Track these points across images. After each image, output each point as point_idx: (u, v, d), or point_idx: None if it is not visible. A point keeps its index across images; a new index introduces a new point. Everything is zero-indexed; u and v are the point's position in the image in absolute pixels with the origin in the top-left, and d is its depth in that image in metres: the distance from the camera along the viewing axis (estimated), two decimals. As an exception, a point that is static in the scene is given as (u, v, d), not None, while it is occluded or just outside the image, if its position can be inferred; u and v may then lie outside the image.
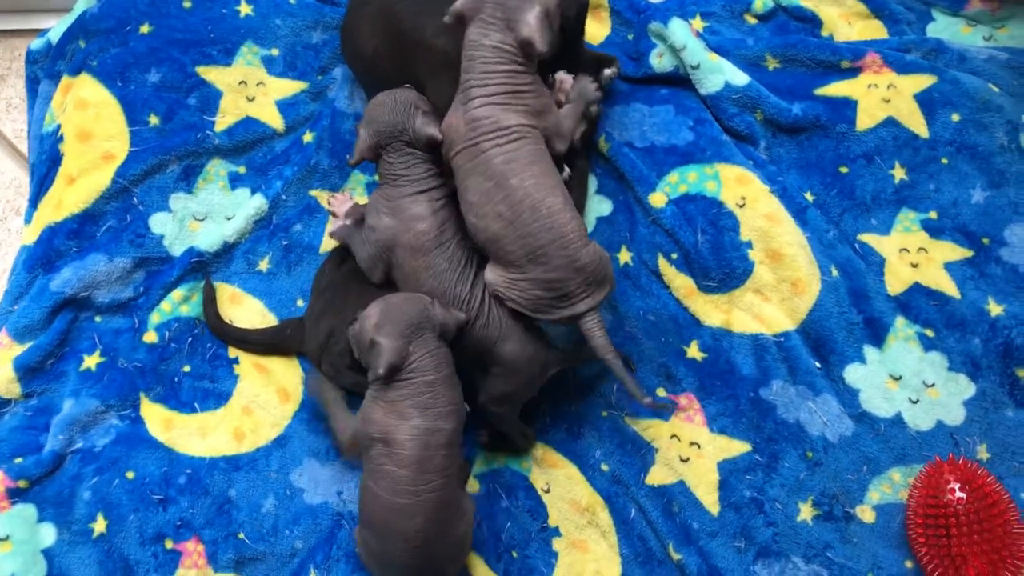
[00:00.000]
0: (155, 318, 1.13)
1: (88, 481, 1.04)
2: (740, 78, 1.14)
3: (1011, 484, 0.98)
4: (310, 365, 1.09)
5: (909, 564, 0.99)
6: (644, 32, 1.20)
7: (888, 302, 1.07)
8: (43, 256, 1.13)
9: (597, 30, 1.26)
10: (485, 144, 0.93)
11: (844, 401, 1.04)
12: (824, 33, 1.23)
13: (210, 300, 1.13)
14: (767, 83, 1.15)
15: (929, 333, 1.05)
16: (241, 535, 1.04)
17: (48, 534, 1.02)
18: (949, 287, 1.06)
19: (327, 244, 1.17)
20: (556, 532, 1.05)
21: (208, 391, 1.11)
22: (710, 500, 1.03)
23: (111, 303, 1.13)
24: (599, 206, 1.16)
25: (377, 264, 1.01)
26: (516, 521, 1.05)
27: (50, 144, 1.19)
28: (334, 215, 1.12)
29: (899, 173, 1.11)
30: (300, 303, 1.15)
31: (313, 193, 1.20)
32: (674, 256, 1.10)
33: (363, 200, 1.17)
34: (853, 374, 1.04)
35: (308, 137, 1.21)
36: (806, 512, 1.01)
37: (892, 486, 1.01)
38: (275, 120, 1.22)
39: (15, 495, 1.02)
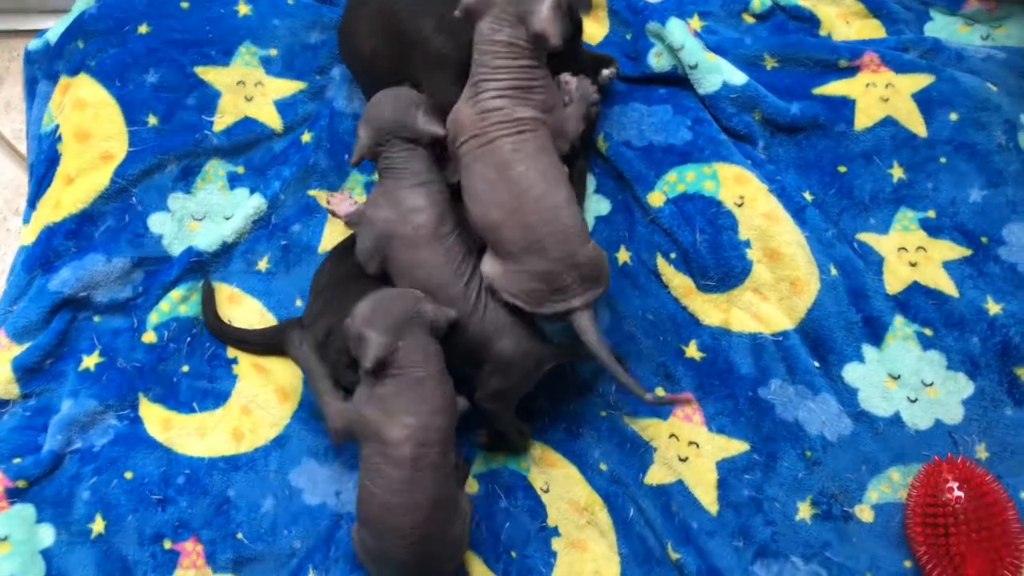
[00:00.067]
0: (154, 318, 1.13)
1: (87, 481, 1.04)
2: (738, 77, 1.14)
3: (1010, 483, 0.98)
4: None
5: (908, 563, 0.99)
6: (642, 32, 1.20)
7: (887, 301, 1.07)
8: (42, 256, 1.13)
9: (595, 30, 1.25)
10: (494, 133, 0.93)
11: (843, 400, 1.04)
12: (822, 32, 1.23)
13: (209, 300, 1.13)
14: (765, 82, 1.15)
15: (928, 332, 1.05)
16: (240, 535, 1.04)
17: (47, 534, 1.02)
18: (948, 286, 1.06)
19: (326, 244, 1.18)
20: (555, 532, 1.05)
21: (207, 391, 1.11)
22: (709, 499, 1.03)
23: (110, 303, 1.13)
24: (597, 205, 1.16)
25: (374, 255, 1.01)
26: (515, 521, 1.05)
27: (48, 144, 1.19)
28: (333, 214, 1.12)
29: (897, 172, 1.11)
30: (299, 303, 1.15)
31: (312, 193, 1.20)
32: (672, 255, 1.10)
33: (362, 200, 1.17)
34: (852, 373, 1.04)
35: (307, 137, 1.21)
36: (805, 511, 1.01)
37: (891, 485, 1.01)
38: (273, 120, 1.22)
39: (14, 495, 1.02)
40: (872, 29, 1.24)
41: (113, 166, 1.15)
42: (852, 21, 1.25)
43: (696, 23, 1.24)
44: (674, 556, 1.01)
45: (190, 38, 1.21)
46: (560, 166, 0.95)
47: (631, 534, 1.04)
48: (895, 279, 1.08)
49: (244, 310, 1.15)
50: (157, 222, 1.16)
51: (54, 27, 1.26)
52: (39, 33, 1.28)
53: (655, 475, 1.05)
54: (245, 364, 1.12)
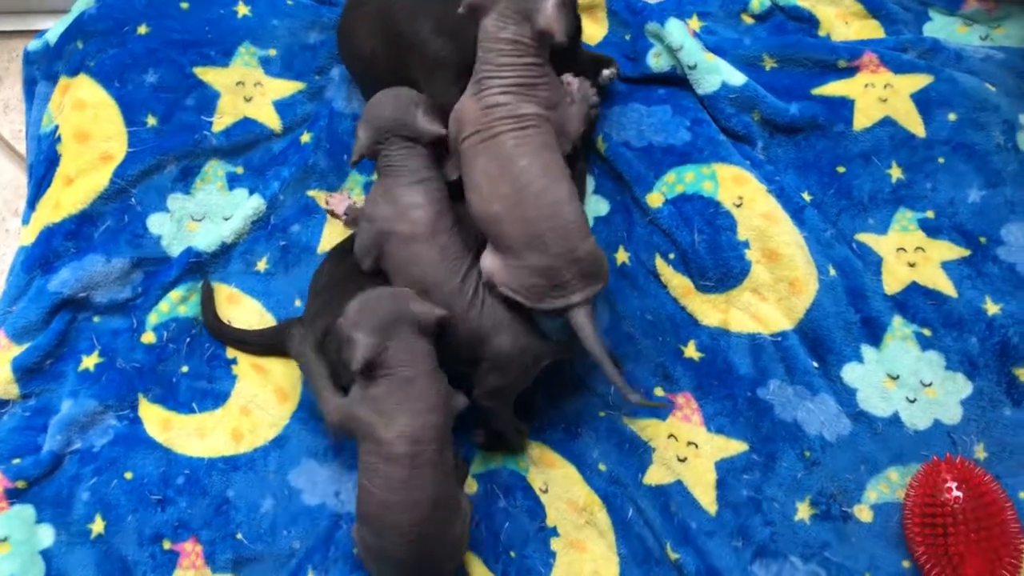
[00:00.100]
0: (153, 319, 1.13)
1: (86, 482, 1.04)
2: (737, 78, 1.14)
3: (1008, 483, 0.98)
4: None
5: (906, 563, 0.99)
6: (641, 32, 1.20)
7: (885, 301, 1.07)
8: (41, 257, 1.13)
9: (594, 30, 1.26)
10: (498, 128, 0.93)
11: (841, 400, 1.04)
12: (821, 33, 1.23)
13: (208, 300, 1.13)
14: (764, 83, 1.16)
15: (926, 332, 1.05)
16: (239, 535, 1.04)
17: (46, 535, 1.02)
18: (946, 286, 1.06)
19: (325, 244, 1.18)
20: (554, 532, 1.05)
21: (206, 391, 1.11)
22: (708, 500, 1.03)
23: (109, 303, 1.13)
24: (596, 206, 1.16)
25: (370, 252, 1.01)
26: (514, 521, 1.05)
27: (48, 145, 1.19)
28: (332, 215, 1.12)
29: (896, 173, 1.11)
30: (298, 303, 1.15)
31: (311, 193, 1.20)
32: (671, 256, 1.10)
33: (361, 200, 1.17)
34: (850, 373, 1.05)
35: (306, 137, 1.21)
36: (804, 511, 1.01)
37: (890, 485, 1.01)
38: (273, 120, 1.22)
39: (13, 496, 1.02)
40: (871, 29, 1.24)
41: (112, 167, 1.15)
42: (851, 21, 1.25)
43: (695, 23, 1.24)
44: (673, 556, 1.01)
45: (189, 39, 1.21)
46: (563, 162, 0.95)
47: (630, 534, 1.04)
48: (894, 279, 1.08)
49: (243, 310, 1.15)
50: (156, 223, 1.16)
51: (53, 27, 1.26)
52: (38, 34, 1.28)
53: (654, 475, 1.05)
54: (244, 364, 1.13)
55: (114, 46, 1.20)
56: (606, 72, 1.14)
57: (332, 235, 1.18)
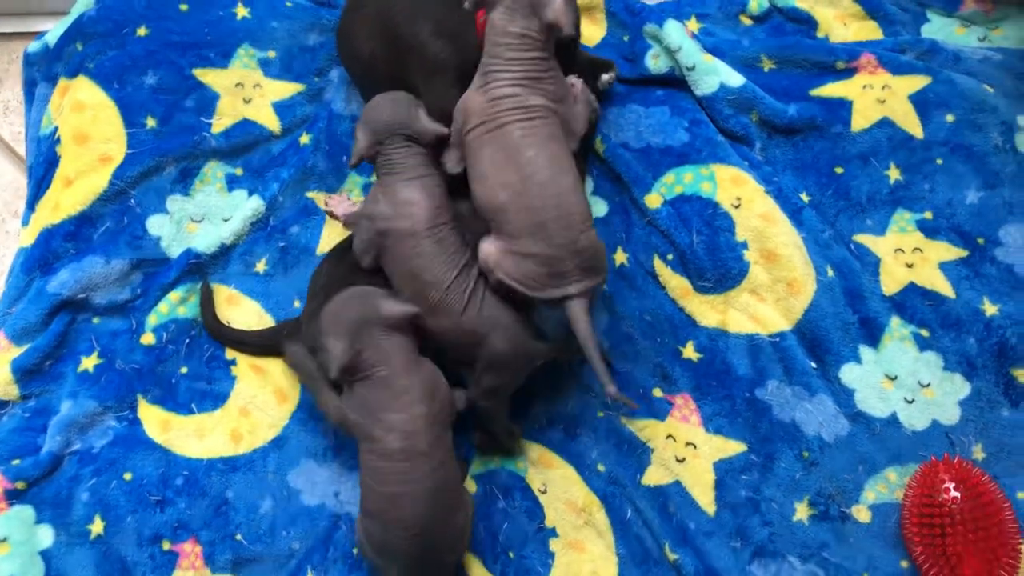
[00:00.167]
0: (152, 320, 1.13)
1: (86, 482, 1.04)
2: (735, 79, 1.14)
3: (1006, 483, 0.98)
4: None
5: (905, 564, 0.99)
6: (639, 34, 1.20)
7: (883, 302, 1.07)
8: (40, 258, 1.13)
9: (593, 31, 1.26)
10: (504, 119, 0.93)
11: (840, 401, 1.04)
12: (819, 34, 1.23)
13: (207, 302, 1.14)
14: (763, 84, 1.16)
15: (924, 333, 1.05)
16: (238, 536, 1.04)
17: (46, 536, 1.02)
18: (944, 287, 1.06)
19: (324, 245, 1.18)
20: (553, 533, 1.05)
21: (205, 392, 1.11)
22: (706, 500, 1.03)
23: (108, 305, 1.13)
24: (595, 207, 1.16)
25: (369, 250, 1.01)
26: (513, 522, 1.05)
27: (47, 146, 1.19)
28: (331, 216, 1.12)
29: (894, 174, 1.11)
30: (297, 304, 1.15)
31: (310, 195, 1.20)
32: (670, 257, 1.11)
33: (360, 201, 1.17)
34: (849, 374, 1.05)
35: (305, 139, 1.21)
36: (802, 512, 1.01)
37: (888, 486, 1.01)
38: (272, 122, 1.22)
39: (13, 496, 1.03)
40: (869, 31, 1.24)
41: (112, 168, 1.15)
42: (849, 23, 1.25)
43: (693, 25, 1.24)
44: (672, 556, 1.01)
45: (189, 40, 1.21)
46: (569, 154, 0.96)
47: (629, 535, 1.04)
48: (892, 280, 1.08)
49: (242, 311, 1.15)
50: (156, 224, 1.17)
51: (53, 29, 1.26)
52: (38, 35, 1.28)
53: (652, 476, 1.05)
54: (243, 365, 1.13)
55: (113, 48, 1.20)
56: (605, 77, 1.14)
57: (331, 236, 1.18)
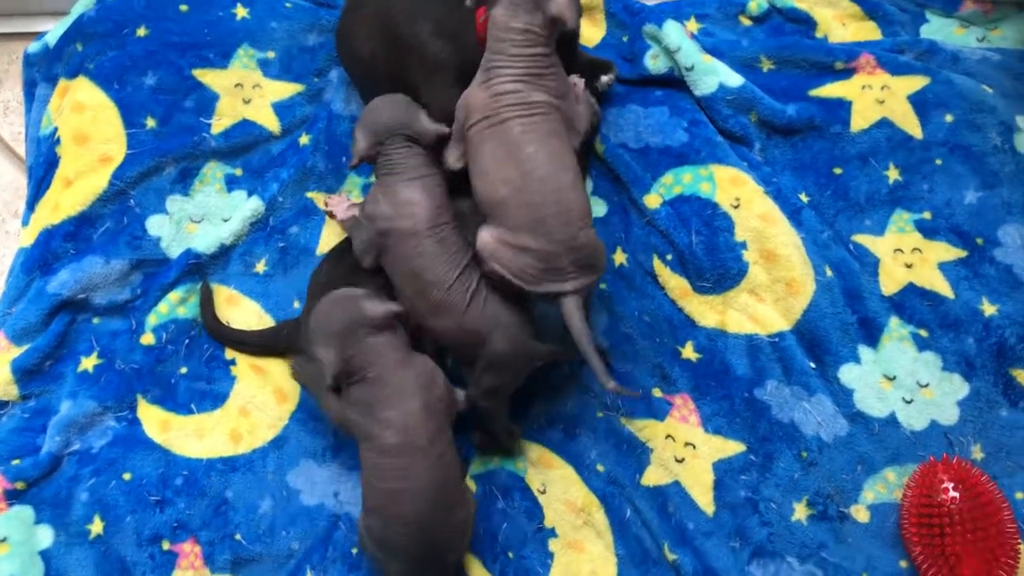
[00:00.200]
0: (152, 320, 1.13)
1: (85, 483, 1.05)
2: (734, 79, 1.14)
3: (1005, 484, 0.98)
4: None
5: (903, 564, 0.99)
6: (638, 34, 1.20)
7: (882, 302, 1.07)
8: (40, 258, 1.13)
9: (592, 32, 1.26)
10: (506, 114, 0.93)
11: (838, 401, 1.04)
12: (818, 35, 1.24)
13: (207, 302, 1.14)
14: (761, 84, 1.16)
15: (923, 333, 1.05)
16: (238, 536, 1.04)
17: (45, 536, 1.02)
18: (943, 287, 1.07)
19: (323, 246, 1.18)
20: (552, 533, 1.05)
21: (205, 392, 1.11)
22: (705, 500, 1.03)
23: (108, 305, 1.13)
24: (594, 207, 1.16)
25: (370, 250, 1.01)
26: (512, 522, 1.05)
27: (47, 147, 1.19)
28: (331, 216, 1.12)
29: (893, 174, 1.11)
30: (296, 304, 1.15)
31: (309, 195, 1.20)
32: (669, 257, 1.11)
33: (360, 202, 1.17)
34: (847, 374, 1.05)
35: (304, 139, 1.21)
36: (801, 512, 1.01)
37: (886, 486, 1.01)
38: (271, 122, 1.22)
39: (12, 497, 1.03)
40: (868, 31, 1.24)
41: (111, 168, 1.16)
42: (848, 23, 1.25)
43: (693, 25, 1.24)
44: (671, 557, 1.01)
45: (188, 41, 1.22)
46: (570, 150, 0.95)
47: (628, 535, 1.04)
48: (891, 280, 1.08)
49: (242, 312, 1.15)
50: (155, 224, 1.17)
51: (53, 30, 1.26)
52: (38, 36, 1.28)
53: (652, 476, 1.05)
54: (243, 365, 1.13)
55: (113, 48, 1.20)
56: (604, 78, 1.14)
57: (331, 237, 1.18)
